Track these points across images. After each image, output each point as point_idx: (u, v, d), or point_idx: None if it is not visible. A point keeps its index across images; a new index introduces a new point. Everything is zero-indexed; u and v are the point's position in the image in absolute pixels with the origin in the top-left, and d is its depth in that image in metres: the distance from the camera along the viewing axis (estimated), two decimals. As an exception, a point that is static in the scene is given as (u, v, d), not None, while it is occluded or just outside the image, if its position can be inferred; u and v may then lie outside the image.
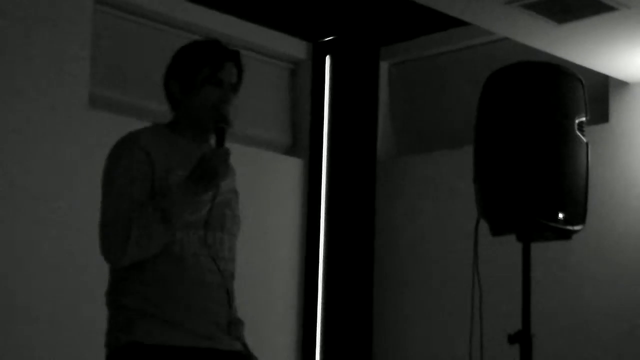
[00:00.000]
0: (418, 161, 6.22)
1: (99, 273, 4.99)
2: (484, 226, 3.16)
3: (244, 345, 2.84)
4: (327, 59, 6.28)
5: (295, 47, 6.28)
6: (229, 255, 2.83)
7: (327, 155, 6.20)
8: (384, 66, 6.47)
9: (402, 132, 6.50)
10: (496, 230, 3.17)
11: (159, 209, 2.64)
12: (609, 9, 4.45)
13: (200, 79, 2.80)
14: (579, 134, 3.10)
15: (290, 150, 6.32)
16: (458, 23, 5.30)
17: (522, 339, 3.02)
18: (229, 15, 5.83)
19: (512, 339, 3.02)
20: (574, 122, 3.10)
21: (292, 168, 6.17)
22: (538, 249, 3.19)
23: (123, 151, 2.75)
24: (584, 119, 3.12)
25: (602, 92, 5.45)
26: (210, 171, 2.67)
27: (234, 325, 2.83)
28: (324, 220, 6.14)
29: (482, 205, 3.18)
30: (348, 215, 6.14)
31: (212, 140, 2.79)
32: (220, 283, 2.77)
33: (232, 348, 2.78)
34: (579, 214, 3.09)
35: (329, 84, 6.27)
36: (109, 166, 2.76)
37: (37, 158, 4.91)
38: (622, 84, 5.39)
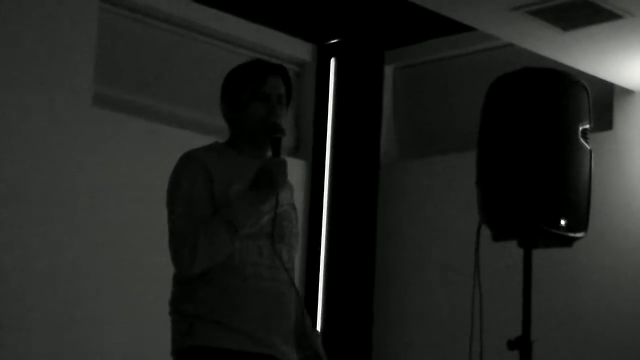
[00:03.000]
0: (421, 165, 6.22)
1: (101, 270, 5.04)
2: (485, 231, 3.16)
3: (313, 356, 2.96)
4: (332, 61, 6.29)
5: (300, 49, 6.29)
6: (288, 265, 2.92)
7: (330, 158, 6.21)
8: (388, 70, 6.47)
9: (406, 136, 6.51)
10: (498, 236, 3.17)
11: (223, 219, 2.77)
12: (615, 16, 4.45)
13: (245, 97, 2.94)
14: (582, 141, 3.09)
15: (294, 152, 6.32)
16: (463, 28, 5.30)
17: (522, 345, 3.02)
18: (234, 16, 5.84)
19: (512, 344, 3.02)
20: (577, 129, 3.09)
21: (295, 170, 6.15)
22: (539, 255, 3.19)
23: (183, 169, 2.88)
24: (588, 126, 3.11)
25: (606, 99, 5.45)
26: (270, 180, 2.82)
27: (299, 335, 2.96)
28: (326, 222, 6.14)
29: (484, 211, 3.17)
30: (350, 217, 6.14)
31: (269, 154, 2.92)
32: (280, 292, 2.86)
33: (290, 357, 2.88)
34: (581, 221, 3.08)
35: (334, 87, 6.28)
36: (172, 184, 2.90)
37: (41, 156, 4.91)
38: (626, 92, 5.39)
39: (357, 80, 6.27)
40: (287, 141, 6.19)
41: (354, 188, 6.18)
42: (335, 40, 6.28)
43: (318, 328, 6.04)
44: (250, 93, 2.93)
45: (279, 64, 3.04)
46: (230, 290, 2.79)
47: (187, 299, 2.82)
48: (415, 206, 6.17)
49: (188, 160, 2.89)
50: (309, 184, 6.20)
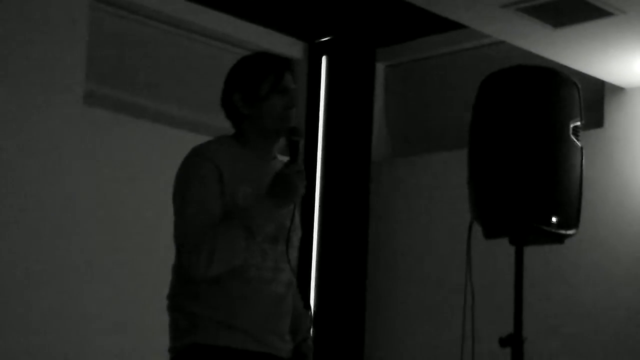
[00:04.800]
0: (412, 162, 6.23)
1: (94, 268, 5.03)
2: (477, 228, 3.16)
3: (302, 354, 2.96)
4: (323, 59, 6.28)
5: (292, 47, 6.28)
6: (290, 267, 2.90)
7: (321, 155, 6.20)
8: (379, 67, 6.47)
9: (397, 134, 6.51)
10: (489, 233, 3.17)
11: (242, 224, 2.71)
12: (605, 14, 4.45)
13: (265, 88, 2.83)
14: (573, 138, 3.10)
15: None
16: (454, 26, 5.30)
17: (514, 342, 3.02)
18: (225, 14, 5.83)
19: (503, 342, 3.02)
20: (568, 126, 3.09)
21: (286, 168, 6.16)
22: (531, 252, 3.19)
23: (193, 166, 2.79)
24: (578, 123, 3.12)
25: (597, 96, 5.46)
26: (291, 187, 2.76)
27: (297, 334, 2.96)
28: (318, 220, 6.14)
29: (475, 208, 3.17)
30: (342, 215, 6.14)
31: (278, 155, 2.88)
32: (280, 293, 2.85)
33: (288, 355, 2.88)
34: (572, 218, 3.09)
35: (325, 84, 6.28)
36: (181, 182, 2.81)
37: (33, 155, 4.90)
38: (617, 89, 5.40)
39: (348, 77, 6.27)
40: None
41: (345, 185, 6.18)
42: (326, 38, 6.28)
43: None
44: (271, 85, 2.83)
45: (289, 59, 2.98)
46: (233, 291, 2.76)
47: (190, 297, 2.78)
48: (406, 203, 6.17)
49: (198, 158, 2.79)
50: (300, 182, 6.19)
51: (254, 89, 2.83)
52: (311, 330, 3.05)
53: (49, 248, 4.90)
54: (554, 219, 3.04)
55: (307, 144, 6.23)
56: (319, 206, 6.15)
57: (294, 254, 2.95)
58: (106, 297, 5.07)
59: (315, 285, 6.09)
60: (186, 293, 2.79)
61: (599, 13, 4.45)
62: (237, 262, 2.73)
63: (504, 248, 3.21)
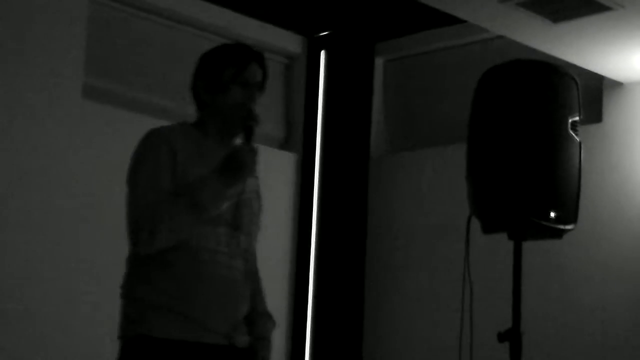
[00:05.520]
0: (411, 158, 6.22)
1: (95, 261, 5.02)
2: (475, 223, 3.16)
3: (259, 341, 2.93)
4: (322, 53, 6.28)
5: (291, 42, 6.27)
6: (245, 254, 2.89)
7: (320, 150, 6.20)
8: (378, 62, 6.47)
9: (396, 128, 6.51)
10: (488, 228, 3.18)
11: (188, 198, 2.71)
12: (605, 8, 4.45)
13: (226, 79, 2.86)
14: (572, 133, 3.10)
15: (284, 144, 6.32)
16: (453, 20, 5.30)
17: (512, 337, 3.03)
18: (224, 8, 5.82)
19: (501, 337, 3.02)
20: (567, 121, 3.10)
21: (285, 162, 6.17)
22: (530, 247, 3.20)
23: (149, 144, 2.83)
24: (577, 118, 3.12)
25: (596, 91, 5.46)
26: (239, 164, 2.75)
27: (252, 322, 2.92)
28: (317, 214, 6.14)
29: (474, 203, 3.18)
30: (340, 209, 6.14)
31: (238, 141, 2.86)
32: (235, 279, 2.83)
33: (243, 345, 2.85)
34: (570, 213, 3.09)
35: (324, 79, 6.27)
36: (135, 158, 2.83)
37: (31, 148, 4.90)
38: (616, 84, 5.40)
39: (347, 72, 6.27)
40: (277, 133, 6.29)
41: (344, 180, 6.18)
42: (325, 33, 6.27)
43: (308, 321, 6.04)
44: (231, 76, 2.86)
45: (259, 51, 2.96)
46: (185, 275, 2.74)
47: (141, 281, 2.77)
48: (405, 198, 6.17)
49: (153, 137, 2.83)
50: (299, 177, 6.19)
51: (216, 79, 2.88)
52: (271, 333, 3.01)
53: (47, 243, 4.89)
54: (552, 214, 3.04)
55: (306, 140, 6.23)
56: (318, 201, 6.15)
57: (251, 242, 2.94)
58: (105, 294, 5.06)
59: (314, 281, 6.08)
60: (137, 278, 2.79)
61: (598, 8, 4.45)
62: (181, 237, 2.71)
63: (502, 243, 3.21)
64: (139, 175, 2.79)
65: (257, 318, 2.97)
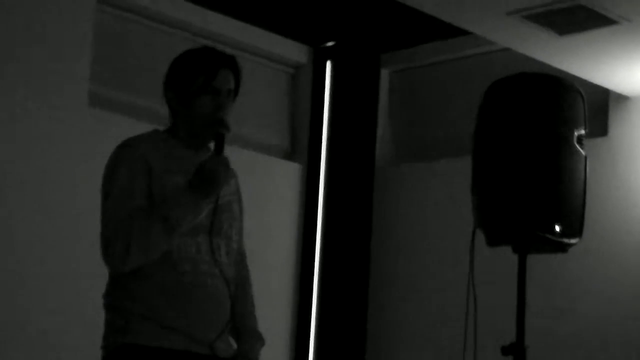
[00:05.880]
0: (416, 169, 6.22)
1: (97, 271, 5.01)
2: (480, 236, 3.16)
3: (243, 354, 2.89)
4: (328, 64, 6.28)
5: (296, 51, 6.28)
6: (227, 260, 2.85)
7: (325, 161, 6.20)
8: (384, 73, 6.47)
9: (401, 140, 6.50)
10: (492, 241, 3.17)
11: (160, 216, 2.67)
12: (611, 22, 4.45)
13: (194, 89, 2.82)
14: (577, 146, 3.10)
15: (289, 154, 6.31)
16: (460, 32, 5.30)
17: (516, 350, 3.02)
18: (230, 17, 5.83)
19: (505, 350, 3.02)
20: (573, 134, 3.09)
21: (290, 172, 6.17)
22: (534, 260, 3.19)
23: (121, 157, 2.79)
24: (583, 132, 3.12)
25: (601, 105, 5.45)
26: (211, 178, 2.69)
27: (241, 339, 2.89)
28: (321, 225, 6.13)
29: (478, 215, 3.17)
30: (345, 221, 6.13)
31: (211, 146, 2.81)
32: (217, 287, 2.79)
33: (226, 354, 2.82)
34: (576, 227, 3.08)
35: (329, 89, 6.27)
36: (108, 172, 2.79)
37: (37, 156, 4.90)
38: (622, 98, 5.40)
39: (353, 83, 6.27)
40: (281, 143, 6.29)
41: (349, 191, 6.17)
42: (331, 43, 6.27)
43: (312, 331, 6.03)
44: (199, 86, 2.80)
45: (230, 55, 2.89)
46: (166, 286, 2.72)
47: (122, 294, 2.74)
48: (410, 210, 6.16)
49: (126, 149, 2.79)
50: (304, 187, 6.19)
51: (184, 88, 2.83)
52: (259, 354, 2.96)
53: (52, 249, 4.89)
54: (557, 228, 3.03)
55: (311, 150, 6.22)
56: (322, 212, 6.15)
57: (235, 245, 2.89)
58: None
59: (318, 291, 6.07)
60: (118, 290, 2.76)
61: (605, 21, 4.45)
62: (155, 254, 2.67)
63: (507, 256, 3.21)
64: (111, 189, 2.75)
65: (246, 336, 2.93)
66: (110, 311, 2.78)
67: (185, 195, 2.69)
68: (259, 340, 2.97)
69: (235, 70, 2.88)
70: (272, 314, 5.86)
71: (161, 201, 2.70)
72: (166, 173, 2.76)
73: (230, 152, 2.80)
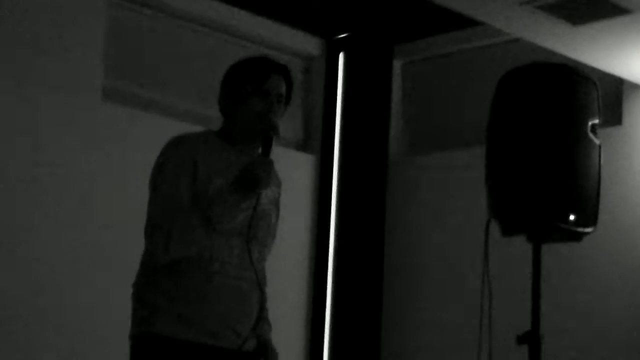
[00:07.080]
0: (430, 160, 6.22)
1: (112, 261, 5.04)
2: (494, 226, 3.16)
3: (261, 346, 2.96)
4: (341, 56, 6.28)
5: (309, 44, 6.28)
6: (258, 265, 2.93)
7: (339, 152, 6.20)
8: (397, 64, 6.47)
9: (414, 131, 6.51)
10: (507, 231, 3.17)
11: (202, 212, 2.77)
12: (624, 11, 4.44)
13: (246, 91, 2.92)
14: (591, 136, 3.09)
15: (302, 146, 6.32)
16: (472, 23, 5.29)
17: (531, 339, 3.02)
18: (243, 10, 5.84)
19: (520, 339, 3.02)
20: (587, 124, 3.09)
21: (303, 164, 6.18)
22: (549, 249, 3.19)
23: (170, 154, 2.89)
24: (597, 121, 3.11)
25: (615, 94, 5.44)
26: (253, 179, 2.79)
27: (257, 328, 2.95)
28: (335, 216, 6.14)
29: (493, 205, 3.17)
30: (359, 212, 6.14)
31: (259, 151, 2.89)
32: (243, 291, 2.87)
33: (249, 349, 2.91)
34: (590, 215, 3.08)
35: (342, 81, 6.27)
36: (157, 166, 2.90)
37: (52, 152, 4.92)
38: (636, 87, 5.38)
39: (366, 74, 6.27)
40: (295, 135, 6.29)
41: (362, 183, 6.18)
42: (344, 35, 6.28)
43: (326, 323, 6.04)
44: (251, 88, 2.92)
45: (283, 64, 3.02)
46: (194, 285, 2.81)
47: (151, 287, 2.84)
48: (423, 201, 6.17)
49: (177, 145, 2.89)
50: (317, 179, 6.20)
51: (237, 91, 2.94)
52: (269, 335, 3.04)
53: (66, 245, 4.91)
54: (571, 217, 3.03)
55: (324, 142, 6.23)
56: (336, 204, 6.15)
57: (262, 252, 2.97)
58: (122, 294, 5.08)
59: (332, 283, 6.08)
60: (149, 284, 2.86)
61: (618, 11, 4.44)
62: (194, 250, 2.78)
63: (522, 245, 3.21)
64: (158, 185, 2.85)
65: (258, 321, 3.00)
66: (138, 304, 2.88)
67: (228, 194, 2.78)
68: (266, 322, 3.04)
69: (288, 77, 3.00)
70: (284, 307, 5.88)
71: (204, 199, 2.79)
72: (212, 172, 2.84)
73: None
